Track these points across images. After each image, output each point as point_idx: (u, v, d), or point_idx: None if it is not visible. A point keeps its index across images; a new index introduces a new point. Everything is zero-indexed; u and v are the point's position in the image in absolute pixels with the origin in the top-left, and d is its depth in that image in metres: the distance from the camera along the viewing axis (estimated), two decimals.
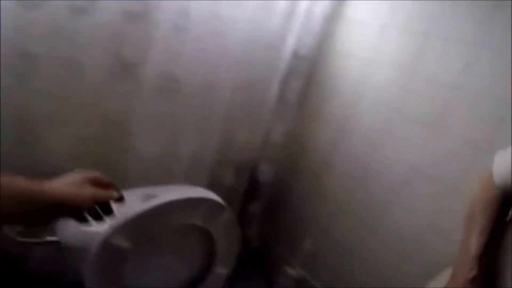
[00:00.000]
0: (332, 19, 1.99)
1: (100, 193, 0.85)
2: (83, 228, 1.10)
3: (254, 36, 1.72)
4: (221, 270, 1.48)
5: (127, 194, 1.26)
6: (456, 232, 1.57)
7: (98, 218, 0.87)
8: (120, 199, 0.92)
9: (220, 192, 1.37)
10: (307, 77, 2.00)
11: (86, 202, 0.82)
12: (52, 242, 1.14)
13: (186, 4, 1.49)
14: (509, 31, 1.38)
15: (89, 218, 0.85)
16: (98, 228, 1.06)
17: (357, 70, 1.92)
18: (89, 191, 0.82)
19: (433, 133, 1.63)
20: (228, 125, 1.79)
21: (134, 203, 1.09)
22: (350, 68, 1.96)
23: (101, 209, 0.87)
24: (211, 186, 1.53)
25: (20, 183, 0.70)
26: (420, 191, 1.69)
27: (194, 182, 1.74)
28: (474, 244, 0.97)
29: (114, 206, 0.91)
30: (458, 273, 0.98)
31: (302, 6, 1.85)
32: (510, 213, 1.02)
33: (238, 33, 1.64)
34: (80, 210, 0.83)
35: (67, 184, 0.79)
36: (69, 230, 1.13)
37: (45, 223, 0.80)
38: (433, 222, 1.69)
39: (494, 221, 0.99)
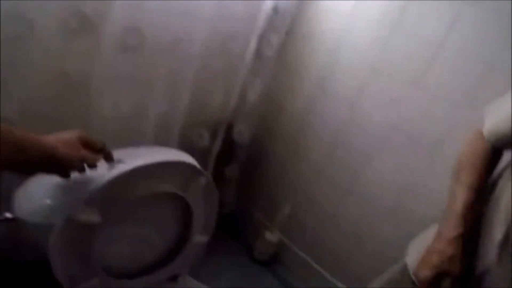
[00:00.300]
0: None
1: (90, 156, 0.88)
2: (42, 202, 1.00)
3: None
4: (200, 238, 1.39)
5: None
6: (435, 191, 1.55)
7: None
8: (110, 159, 0.96)
9: (193, 154, 1.27)
10: (285, 33, 1.89)
11: (76, 163, 0.85)
12: (9, 220, 1.03)
13: None
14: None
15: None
16: (60, 201, 0.96)
17: (337, 26, 1.83)
18: (80, 154, 0.86)
19: (413, 91, 1.58)
20: (201, 83, 1.67)
21: (100, 169, 0.97)
22: (330, 24, 1.86)
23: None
24: (183, 148, 1.42)
25: (18, 132, 0.71)
26: (399, 150, 1.65)
27: (165, 144, 1.65)
28: (461, 201, 0.95)
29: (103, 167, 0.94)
30: (444, 231, 0.96)
31: None
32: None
33: None
34: (67, 170, 0.85)
35: (62, 142, 0.81)
36: (27, 205, 1.02)
37: (31, 173, 0.86)
38: (413, 181, 1.65)
39: (483, 177, 0.98)
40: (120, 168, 0.98)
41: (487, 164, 0.98)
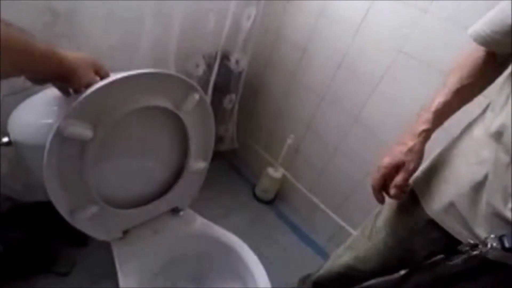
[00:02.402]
0: None
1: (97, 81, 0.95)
2: (37, 123, 1.02)
3: None
4: (198, 165, 1.42)
5: None
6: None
7: None
8: None
9: None
10: None
11: (82, 85, 0.92)
12: (6, 144, 1.05)
13: None
14: None
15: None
16: (53, 119, 0.98)
17: None
18: (89, 78, 0.92)
19: (420, 12, 1.55)
20: (190, 10, 1.65)
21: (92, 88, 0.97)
22: None
23: None
24: None
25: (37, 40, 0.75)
26: (407, 73, 1.64)
27: None
28: (437, 100, 1.00)
29: None
30: (414, 125, 1.02)
31: None
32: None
33: None
34: (78, 85, 0.92)
35: (80, 59, 0.88)
36: (23, 128, 1.04)
37: (41, 82, 0.87)
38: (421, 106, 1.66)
39: (470, 79, 0.99)
40: (109, 79, 0.98)
41: (476, 67, 0.99)
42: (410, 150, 0.99)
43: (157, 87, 1.11)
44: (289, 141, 2.24)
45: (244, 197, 2.52)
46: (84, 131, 0.98)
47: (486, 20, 0.93)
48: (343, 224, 2.20)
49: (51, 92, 1.03)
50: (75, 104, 0.92)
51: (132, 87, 1.04)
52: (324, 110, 2.04)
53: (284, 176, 2.42)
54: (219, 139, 2.31)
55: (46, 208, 1.10)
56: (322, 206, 2.29)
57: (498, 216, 0.88)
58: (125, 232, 1.40)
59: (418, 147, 0.99)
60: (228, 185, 2.53)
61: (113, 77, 0.98)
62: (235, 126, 2.32)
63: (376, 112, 1.81)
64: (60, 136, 0.94)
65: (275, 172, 2.38)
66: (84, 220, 1.19)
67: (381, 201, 1.06)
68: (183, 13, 1.63)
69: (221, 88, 2.02)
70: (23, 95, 1.12)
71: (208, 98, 1.92)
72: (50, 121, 0.99)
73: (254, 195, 2.53)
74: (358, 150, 1.97)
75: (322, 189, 2.26)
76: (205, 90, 1.90)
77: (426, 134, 1.00)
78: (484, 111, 1.00)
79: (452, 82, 1.00)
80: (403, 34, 1.59)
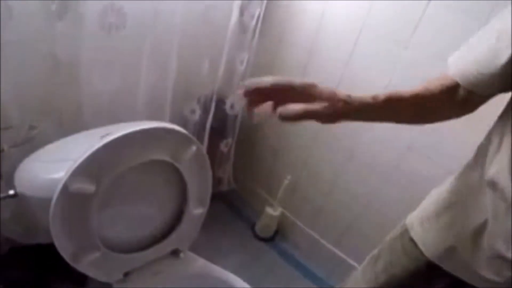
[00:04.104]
0: None
1: None
2: (42, 177, 1.12)
3: None
4: (196, 210, 1.50)
5: (86, 135, 1.27)
6: (437, 148, 1.65)
7: None
8: None
9: (185, 128, 1.37)
10: (268, 1, 1.98)
11: None
12: (12, 196, 1.14)
13: None
14: None
15: None
16: (58, 174, 1.07)
17: None
18: None
19: (402, 51, 1.67)
20: (186, 55, 1.76)
21: (93, 142, 1.08)
22: None
23: None
24: (175, 122, 1.52)
25: None
26: None
27: (156, 119, 1.73)
28: (387, 92, 0.91)
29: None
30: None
31: None
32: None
33: None
34: None
35: None
36: (28, 181, 1.14)
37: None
38: (414, 140, 1.75)
39: (422, 93, 0.91)
40: (108, 137, 1.08)
41: (440, 87, 0.91)
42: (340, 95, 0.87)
43: (156, 141, 1.21)
44: (286, 181, 2.31)
45: (244, 236, 2.57)
46: (88, 186, 1.07)
47: (471, 59, 0.88)
48: (344, 257, 2.26)
49: (56, 147, 1.13)
50: (80, 162, 1.01)
51: (133, 143, 1.14)
52: (320, 148, 2.13)
53: (283, 213, 2.48)
54: (217, 181, 2.39)
55: (47, 249, 1.18)
56: (323, 241, 2.34)
57: (502, 258, 0.88)
58: (126, 274, 1.45)
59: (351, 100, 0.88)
60: (227, 224, 2.59)
61: (115, 134, 1.08)
62: (232, 168, 2.40)
63: (371, 147, 1.91)
64: (65, 191, 1.04)
65: (274, 211, 2.45)
66: (86, 264, 1.26)
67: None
68: (178, 59, 1.74)
69: (218, 133, 2.11)
70: (28, 146, 1.22)
71: (204, 144, 2.02)
72: (56, 176, 1.09)
73: (254, 234, 2.59)
74: (354, 184, 2.04)
75: (322, 224, 2.32)
76: (201, 135, 2.00)
77: (348, 106, 0.88)
78: (476, 158, 0.99)
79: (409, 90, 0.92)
80: (388, 70, 1.70)
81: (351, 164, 2.01)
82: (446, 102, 0.92)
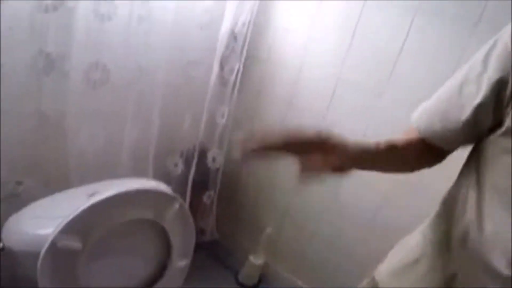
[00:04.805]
0: None
1: None
2: (30, 232, 1.17)
3: (184, 16, 1.78)
4: (179, 262, 1.55)
5: (74, 193, 1.33)
6: (415, 199, 1.71)
7: None
8: None
9: (170, 183, 1.44)
10: (246, 55, 2.07)
11: None
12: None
13: None
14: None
15: None
16: (45, 231, 1.12)
17: (298, 44, 2.02)
18: None
19: (378, 97, 1.75)
20: (168, 111, 1.84)
21: (80, 201, 1.14)
22: (291, 43, 2.05)
23: None
24: (158, 176, 1.59)
25: None
26: None
27: (140, 173, 1.81)
28: (360, 144, 0.94)
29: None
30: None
31: None
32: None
33: (167, 15, 1.69)
34: None
35: None
36: (16, 236, 1.19)
37: None
38: (392, 191, 1.82)
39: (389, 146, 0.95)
40: (95, 198, 1.15)
41: (408, 140, 0.96)
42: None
43: (140, 201, 1.29)
44: (268, 229, 2.36)
45: (228, 285, 2.58)
46: (75, 243, 1.14)
47: (434, 115, 0.92)
48: None
49: (44, 204, 1.19)
50: (68, 220, 1.07)
51: (118, 204, 1.22)
52: (301, 197, 2.18)
53: (265, 261, 2.51)
54: (200, 232, 2.43)
55: None
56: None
57: None
58: None
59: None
60: (211, 273, 2.60)
61: (101, 196, 1.15)
62: (214, 218, 2.45)
63: (352, 195, 1.96)
64: (53, 248, 1.10)
65: (257, 259, 2.47)
66: None
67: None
68: (161, 114, 1.82)
69: (200, 185, 2.16)
70: (15, 200, 1.28)
71: (187, 197, 2.07)
72: (43, 232, 1.14)
73: (238, 282, 2.60)
74: (336, 232, 2.09)
75: (305, 271, 2.34)
76: (184, 188, 2.06)
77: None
78: (443, 209, 0.99)
79: (379, 143, 0.95)
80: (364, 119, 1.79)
81: (332, 212, 2.06)
82: (413, 154, 0.96)
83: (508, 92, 0.78)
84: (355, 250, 2.04)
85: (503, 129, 0.80)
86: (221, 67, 2.00)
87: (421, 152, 0.96)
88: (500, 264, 0.79)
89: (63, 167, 1.62)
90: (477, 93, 0.82)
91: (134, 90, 1.70)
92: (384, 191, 1.82)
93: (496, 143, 0.83)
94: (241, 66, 2.06)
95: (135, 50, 1.66)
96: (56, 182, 1.54)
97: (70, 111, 1.55)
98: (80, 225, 1.14)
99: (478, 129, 0.86)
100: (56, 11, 1.41)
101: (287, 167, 2.03)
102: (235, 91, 2.10)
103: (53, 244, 1.09)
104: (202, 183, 2.19)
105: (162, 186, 1.42)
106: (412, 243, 1.06)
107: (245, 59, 2.06)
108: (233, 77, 2.06)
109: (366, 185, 1.87)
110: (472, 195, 0.87)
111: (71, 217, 1.09)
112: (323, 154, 0.85)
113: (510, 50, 0.77)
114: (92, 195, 1.21)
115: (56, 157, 1.59)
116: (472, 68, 0.85)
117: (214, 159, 2.17)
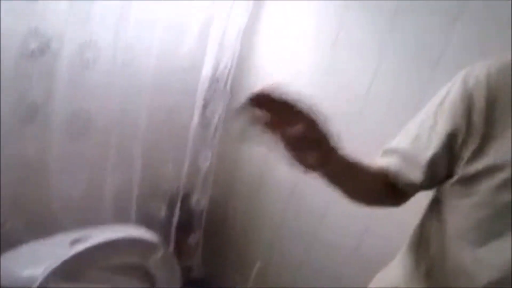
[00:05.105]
0: (247, 37, 2.12)
1: None
2: (22, 272, 1.16)
3: (166, 61, 1.82)
4: None
5: (56, 240, 1.35)
6: (393, 230, 1.73)
7: None
8: None
9: (153, 226, 1.44)
10: (228, 98, 2.11)
11: None
12: None
13: (89, 34, 1.55)
14: (411, 36, 1.60)
15: None
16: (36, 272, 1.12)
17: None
18: None
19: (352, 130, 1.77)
20: (151, 156, 1.86)
21: (62, 249, 1.16)
22: (269, 83, 2.08)
23: None
24: (142, 221, 1.59)
25: None
26: None
27: (124, 218, 1.81)
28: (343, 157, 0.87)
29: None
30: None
31: (217, 26, 1.97)
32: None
33: (149, 60, 1.74)
34: None
35: None
36: (9, 275, 1.18)
37: None
38: (369, 223, 1.83)
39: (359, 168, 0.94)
40: (81, 246, 1.20)
41: (380, 171, 0.97)
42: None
43: (124, 248, 1.33)
44: (256, 263, 2.34)
45: None
46: (64, 285, 1.12)
47: (396, 155, 0.95)
48: None
49: (30, 248, 1.19)
50: (57, 266, 1.08)
51: (104, 250, 1.26)
52: (285, 233, 2.19)
53: None
54: (186, 269, 2.40)
55: None
56: None
57: None
58: None
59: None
60: None
61: (88, 243, 1.20)
62: (200, 256, 2.43)
63: (333, 229, 1.97)
64: None
65: None
66: None
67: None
68: (143, 158, 1.83)
69: (184, 227, 2.16)
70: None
71: (172, 240, 2.06)
72: (34, 273, 1.14)
73: None
74: (320, 265, 2.09)
75: None
76: (168, 231, 2.05)
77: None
78: (412, 245, 1.02)
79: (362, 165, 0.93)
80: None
81: (316, 245, 2.06)
82: (381, 183, 0.97)
83: (459, 143, 0.83)
84: (342, 276, 2.04)
85: (456, 177, 0.85)
86: (203, 110, 2.03)
87: (386, 186, 0.97)
88: None
89: (46, 210, 1.61)
90: (429, 146, 0.87)
91: (117, 134, 1.72)
92: (368, 220, 1.83)
93: (453, 188, 0.87)
94: (223, 109, 2.09)
95: (118, 94, 1.69)
96: (41, 224, 1.55)
97: (53, 157, 1.56)
98: (69, 269, 1.16)
99: (434, 178, 0.90)
100: (42, 55, 1.43)
101: (271, 205, 2.06)
102: (217, 134, 2.12)
103: (41, 286, 1.09)
104: (186, 225, 2.19)
105: (145, 233, 1.44)
106: (391, 274, 1.08)
107: (227, 102, 2.10)
108: (215, 120, 2.09)
109: (350, 215, 1.88)
110: (434, 233, 0.93)
111: (60, 262, 1.10)
112: (316, 145, 0.77)
113: (460, 101, 0.82)
114: (75, 242, 1.23)
115: (39, 200, 1.59)
116: (424, 120, 0.90)
117: (198, 202, 2.17)
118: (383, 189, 0.97)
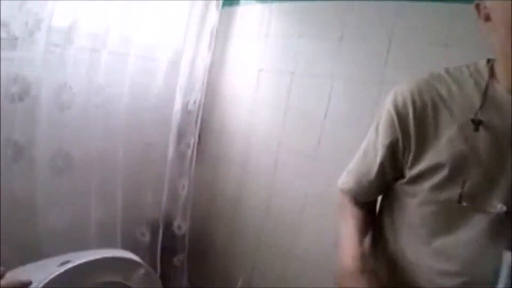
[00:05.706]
0: (214, 69, 2.31)
1: None
2: None
3: (138, 100, 1.99)
4: None
5: (45, 263, 1.46)
6: None
7: None
8: None
9: (138, 251, 1.57)
10: (200, 129, 2.27)
11: None
12: None
13: (64, 79, 1.71)
14: (357, 63, 1.76)
15: None
16: None
17: (244, 113, 2.22)
18: None
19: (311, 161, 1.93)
20: (131, 188, 2.01)
21: (51, 269, 1.28)
22: (238, 113, 2.26)
23: None
24: (127, 246, 1.72)
25: None
26: (321, 213, 1.92)
27: (109, 245, 1.94)
28: (357, 243, 1.03)
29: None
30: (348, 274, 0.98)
31: (184, 63, 2.14)
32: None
33: (121, 100, 1.91)
34: None
35: None
36: None
37: None
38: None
39: (364, 217, 1.13)
40: (68, 264, 1.31)
41: (359, 207, 1.14)
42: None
43: (108, 267, 1.45)
44: (239, 280, 2.43)
45: None
46: None
47: (352, 175, 1.13)
48: None
49: (25, 268, 1.33)
50: (46, 282, 1.20)
51: (89, 269, 1.38)
52: (264, 249, 2.28)
53: None
54: None
55: None
56: None
57: None
58: None
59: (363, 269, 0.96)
60: None
61: (73, 263, 1.31)
62: (186, 277, 2.53)
63: (307, 244, 2.07)
64: None
65: None
66: None
67: None
68: (123, 191, 1.99)
69: (169, 251, 2.28)
70: None
71: (157, 262, 2.19)
72: None
73: None
74: (299, 279, 2.17)
75: None
76: (153, 254, 2.18)
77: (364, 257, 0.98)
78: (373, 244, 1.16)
79: (356, 224, 1.08)
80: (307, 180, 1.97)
81: (295, 260, 2.15)
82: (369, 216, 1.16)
83: (400, 150, 0.99)
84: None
85: (404, 179, 1.00)
86: (178, 142, 2.19)
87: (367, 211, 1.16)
88: None
89: (34, 240, 1.74)
90: (376, 156, 1.04)
91: (97, 169, 1.87)
92: (333, 235, 1.93)
93: (401, 189, 1.03)
94: (197, 139, 2.26)
95: (95, 135, 1.85)
96: (29, 253, 1.62)
97: (38, 193, 1.70)
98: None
99: (386, 181, 1.07)
100: (22, 101, 1.59)
101: (249, 224, 2.18)
102: (193, 163, 2.27)
103: None
104: (170, 248, 2.31)
105: (127, 253, 1.56)
106: None
107: (200, 133, 2.26)
108: (190, 151, 2.25)
109: (328, 234, 1.99)
110: (388, 231, 1.08)
111: (43, 282, 1.21)
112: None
113: (393, 116, 0.99)
114: (62, 264, 1.34)
115: (28, 234, 1.71)
116: (369, 138, 1.09)
117: (179, 227, 2.31)
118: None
